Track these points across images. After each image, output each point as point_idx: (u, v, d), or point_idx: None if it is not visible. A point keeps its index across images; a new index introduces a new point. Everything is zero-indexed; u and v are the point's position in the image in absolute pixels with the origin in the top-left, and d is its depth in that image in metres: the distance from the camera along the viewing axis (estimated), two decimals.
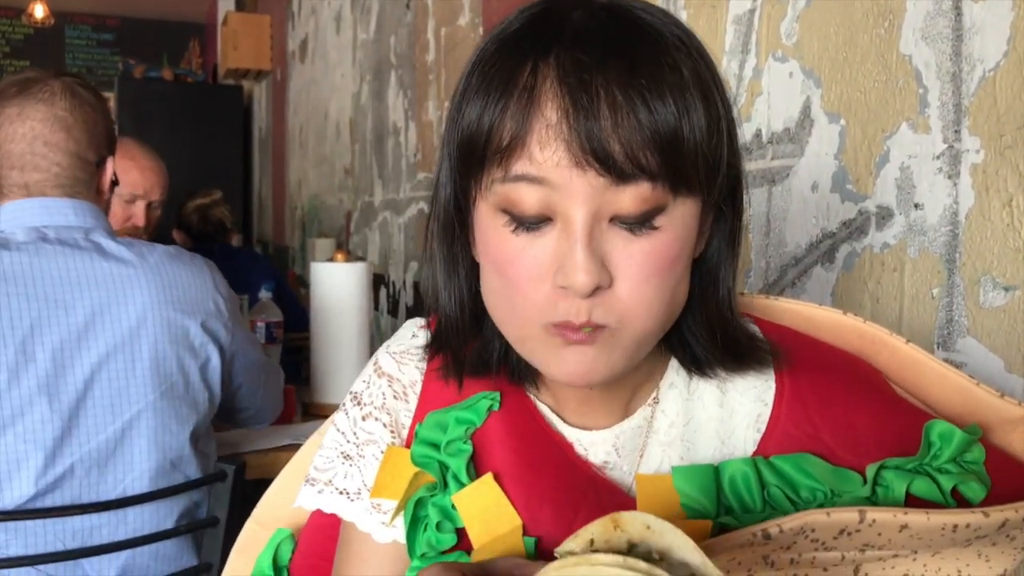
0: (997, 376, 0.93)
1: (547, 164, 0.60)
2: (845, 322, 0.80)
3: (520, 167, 0.61)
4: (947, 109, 0.99)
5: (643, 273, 0.62)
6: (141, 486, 1.42)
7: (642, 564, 0.50)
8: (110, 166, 1.56)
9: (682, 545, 0.52)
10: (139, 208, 2.37)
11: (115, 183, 1.61)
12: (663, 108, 0.59)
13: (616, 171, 0.59)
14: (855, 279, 1.13)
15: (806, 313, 0.81)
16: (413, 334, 0.80)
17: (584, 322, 0.62)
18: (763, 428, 0.73)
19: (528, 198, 0.61)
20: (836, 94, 1.16)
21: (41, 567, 1.36)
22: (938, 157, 1.00)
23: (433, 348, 0.75)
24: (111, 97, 6.45)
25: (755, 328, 0.76)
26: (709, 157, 0.62)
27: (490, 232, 0.65)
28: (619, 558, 0.50)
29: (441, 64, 2.72)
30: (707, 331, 0.71)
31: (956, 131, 0.97)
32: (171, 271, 1.48)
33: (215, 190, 3.25)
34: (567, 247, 0.61)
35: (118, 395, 1.40)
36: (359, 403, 0.77)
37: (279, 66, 5.66)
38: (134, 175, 2.34)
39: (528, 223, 0.62)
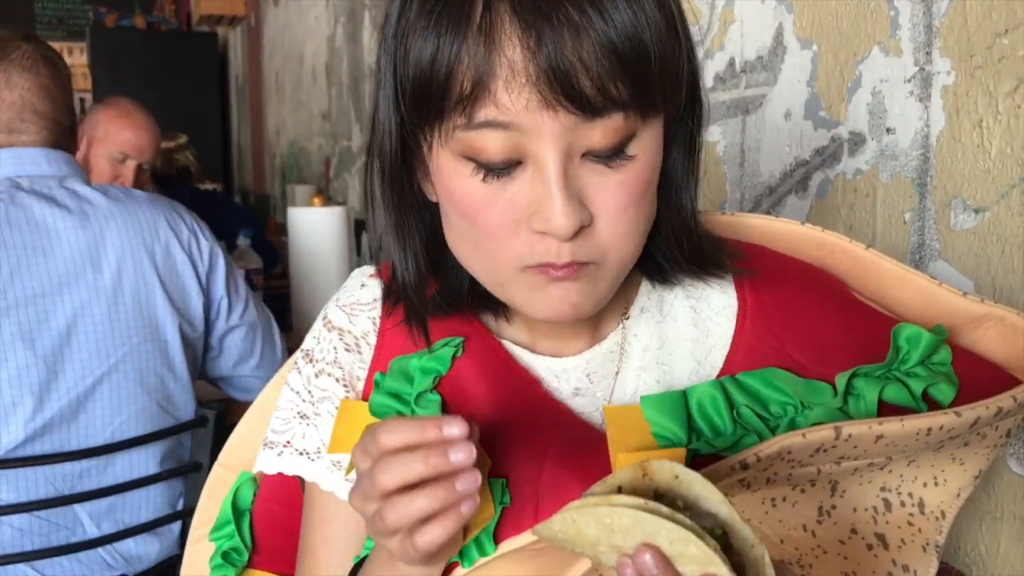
0: None
1: (515, 108, 0.57)
2: (803, 232, 0.80)
3: (485, 113, 0.57)
4: (918, 31, 0.97)
5: (621, 205, 0.61)
6: (131, 428, 1.43)
7: (664, 509, 0.50)
8: (77, 131, 1.60)
9: (709, 496, 0.52)
10: (129, 169, 2.28)
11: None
12: (621, 17, 0.56)
13: (588, 107, 0.57)
14: (828, 206, 1.12)
15: (763, 227, 0.81)
16: (362, 284, 0.78)
17: (567, 263, 0.61)
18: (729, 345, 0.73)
19: (495, 144, 0.58)
20: (808, 19, 1.14)
21: (35, 513, 1.38)
22: (909, 80, 0.99)
23: (390, 300, 0.73)
24: (83, 48, 6.32)
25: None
26: (671, 69, 0.60)
27: (454, 180, 0.62)
28: (640, 501, 0.50)
29: None
30: (673, 241, 0.70)
31: (927, 53, 0.96)
32: (149, 215, 1.48)
33: (180, 134, 3.18)
34: (542, 190, 0.59)
35: (103, 339, 1.40)
36: (311, 360, 0.75)
37: (253, 11, 5.55)
38: (127, 134, 2.25)
39: (497, 169, 0.60)
